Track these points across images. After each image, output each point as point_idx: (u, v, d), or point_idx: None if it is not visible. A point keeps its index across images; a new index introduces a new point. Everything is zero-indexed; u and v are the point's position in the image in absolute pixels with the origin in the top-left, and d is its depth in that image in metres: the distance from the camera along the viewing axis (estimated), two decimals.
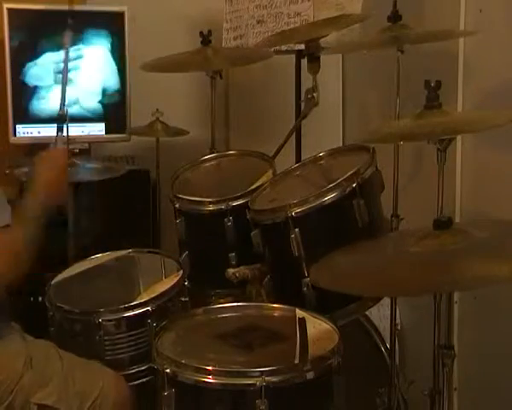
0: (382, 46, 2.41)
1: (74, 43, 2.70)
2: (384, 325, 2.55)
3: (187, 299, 2.29)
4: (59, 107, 2.38)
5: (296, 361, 1.76)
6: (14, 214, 1.98)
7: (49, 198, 2.07)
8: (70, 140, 2.67)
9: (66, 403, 1.95)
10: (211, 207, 2.37)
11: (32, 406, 1.93)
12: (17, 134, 3.17)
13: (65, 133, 2.31)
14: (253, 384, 1.68)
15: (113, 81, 3.26)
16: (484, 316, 2.57)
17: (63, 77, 2.44)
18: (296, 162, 2.64)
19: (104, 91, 3.26)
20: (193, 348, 1.90)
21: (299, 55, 2.87)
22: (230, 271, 2.28)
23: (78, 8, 3.29)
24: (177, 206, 2.43)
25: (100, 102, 3.25)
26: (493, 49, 2.47)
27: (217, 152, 2.78)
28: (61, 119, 2.32)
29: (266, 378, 1.68)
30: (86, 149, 3.24)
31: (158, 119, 3.01)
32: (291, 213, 2.06)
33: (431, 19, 2.71)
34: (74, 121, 2.88)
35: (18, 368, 1.94)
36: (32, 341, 2.05)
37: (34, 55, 3.16)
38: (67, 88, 2.44)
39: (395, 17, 2.34)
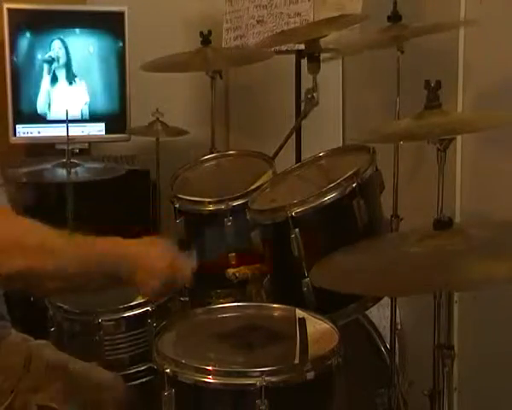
0: (382, 46, 2.41)
1: None
2: (384, 325, 2.55)
3: (187, 299, 2.29)
4: None
5: (296, 361, 1.76)
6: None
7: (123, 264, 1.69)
8: (70, 140, 2.69)
9: (65, 404, 1.95)
10: (211, 207, 2.37)
11: (32, 407, 1.93)
12: (17, 134, 3.17)
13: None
14: (253, 384, 1.68)
15: (113, 81, 3.26)
16: (484, 316, 2.57)
17: None
18: (296, 162, 2.64)
19: (104, 91, 3.25)
20: (193, 348, 1.90)
21: (299, 55, 2.87)
22: (230, 271, 2.28)
23: (78, 8, 3.32)
24: (177, 206, 2.43)
25: (100, 102, 3.25)
26: (493, 49, 2.47)
27: (217, 152, 2.78)
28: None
29: (266, 378, 1.68)
30: (86, 149, 3.25)
31: (158, 119, 3.00)
32: (291, 213, 2.06)
33: (431, 19, 2.70)
34: (74, 121, 2.89)
35: (18, 369, 1.94)
36: (30, 341, 2.04)
37: (34, 55, 3.16)
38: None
39: (395, 17, 2.35)
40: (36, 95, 3.18)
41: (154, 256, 1.70)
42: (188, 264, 1.76)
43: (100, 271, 1.65)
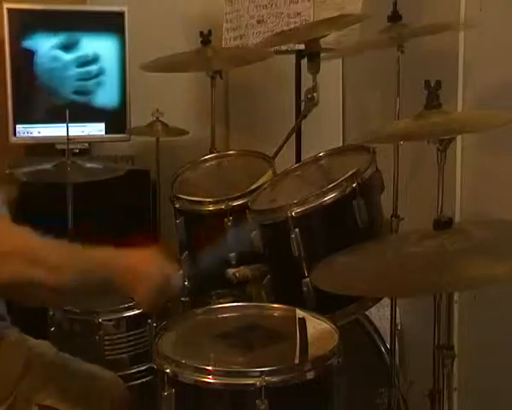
0: (382, 46, 2.41)
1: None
2: (384, 325, 2.55)
3: (187, 299, 2.29)
4: None
5: (296, 361, 1.76)
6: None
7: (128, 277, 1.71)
8: (70, 140, 2.68)
9: (65, 404, 1.95)
10: (211, 207, 2.37)
11: (32, 407, 1.93)
12: (17, 134, 3.17)
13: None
14: (253, 384, 1.68)
15: (113, 81, 3.26)
16: (484, 316, 2.57)
17: None
18: (296, 162, 2.64)
19: (104, 91, 3.26)
20: (193, 348, 1.90)
21: (299, 55, 2.87)
22: (230, 271, 2.28)
23: (78, 8, 3.33)
24: (177, 206, 2.43)
25: (100, 102, 3.25)
26: (493, 49, 2.47)
27: (217, 152, 2.78)
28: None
29: (266, 378, 1.67)
30: (86, 149, 3.25)
31: (158, 119, 3.01)
32: (291, 213, 2.06)
33: (431, 18, 2.71)
34: (74, 121, 2.89)
35: (18, 369, 1.94)
36: (31, 342, 2.04)
37: (34, 54, 3.16)
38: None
39: (395, 17, 2.35)
40: (36, 95, 3.18)
41: (151, 269, 1.73)
42: (178, 280, 1.81)
43: (97, 282, 1.68)
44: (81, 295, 1.72)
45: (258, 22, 3.10)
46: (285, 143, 2.66)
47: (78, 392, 1.97)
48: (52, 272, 1.61)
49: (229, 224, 2.33)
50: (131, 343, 2.17)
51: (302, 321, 1.82)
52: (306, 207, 2.06)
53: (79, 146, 3.14)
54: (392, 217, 2.39)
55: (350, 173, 2.08)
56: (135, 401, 2.07)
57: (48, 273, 1.60)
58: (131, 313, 2.16)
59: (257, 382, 1.67)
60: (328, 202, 2.06)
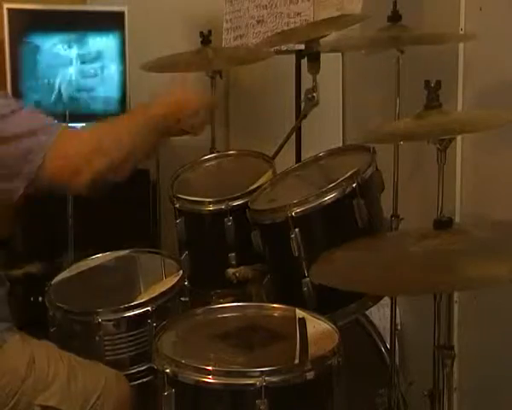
0: (382, 46, 2.41)
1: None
2: (384, 325, 2.55)
3: (187, 299, 2.29)
4: None
5: (296, 361, 1.77)
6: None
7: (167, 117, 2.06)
8: None
9: (68, 403, 1.95)
10: (211, 207, 2.37)
11: (35, 407, 1.93)
12: None
13: None
14: (253, 384, 1.68)
15: (113, 81, 3.26)
16: (484, 316, 2.57)
17: None
18: (296, 162, 2.64)
19: (104, 91, 3.25)
20: (193, 348, 1.90)
21: (299, 55, 2.87)
22: (230, 271, 2.28)
23: (78, 8, 3.32)
24: (177, 206, 2.43)
25: (100, 102, 3.25)
26: (493, 49, 2.47)
27: (217, 152, 2.78)
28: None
29: (266, 378, 1.68)
30: None
31: None
32: (291, 213, 2.06)
33: (431, 18, 2.71)
34: (74, 121, 2.88)
35: (21, 371, 1.94)
36: (34, 342, 2.04)
37: (34, 55, 3.16)
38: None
39: (395, 17, 2.35)
40: (36, 95, 3.18)
41: (182, 101, 2.10)
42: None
43: (150, 131, 2.02)
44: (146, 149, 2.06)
45: (258, 22, 3.10)
46: (285, 143, 2.66)
47: (81, 391, 1.98)
48: (118, 150, 1.94)
49: (229, 224, 2.33)
50: (131, 343, 2.16)
51: (302, 321, 1.82)
52: (306, 207, 2.06)
53: None
54: (392, 217, 2.39)
55: (350, 173, 2.08)
56: (135, 401, 2.07)
57: (117, 153, 1.93)
58: (131, 313, 2.16)
59: (257, 382, 1.68)
60: (328, 201, 2.06)
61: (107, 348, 2.15)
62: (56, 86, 3.19)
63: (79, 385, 1.98)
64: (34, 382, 1.94)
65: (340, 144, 3.14)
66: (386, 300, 2.43)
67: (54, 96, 3.19)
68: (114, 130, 1.99)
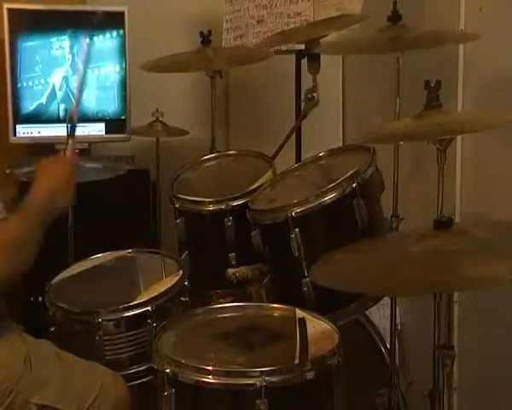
0: (382, 46, 2.41)
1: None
2: (384, 325, 2.55)
3: (187, 299, 2.29)
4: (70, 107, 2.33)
5: (296, 361, 1.77)
6: (16, 209, 1.98)
7: (53, 199, 2.03)
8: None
9: (65, 403, 1.95)
10: (211, 207, 2.37)
11: (31, 406, 1.92)
12: (17, 134, 3.17)
13: (77, 134, 2.23)
14: (253, 384, 1.68)
15: (113, 81, 3.26)
16: (484, 316, 2.57)
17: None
18: (296, 162, 2.64)
19: (104, 91, 3.25)
20: (193, 348, 1.90)
21: (299, 55, 2.87)
22: (230, 271, 2.28)
23: (78, 8, 3.32)
24: (177, 206, 2.43)
25: (100, 102, 3.25)
26: (493, 49, 2.46)
27: (217, 152, 2.78)
28: (71, 120, 2.24)
29: (266, 378, 1.68)
30: (86, 149, 3.24)
31: (158, 119, 3.00)
32: (291, 213, 2.06)
33: (431, 18, 2.71)
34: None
35: (17, 369, 1.94)
36: (31, 341, 2.04)
37: (34, 55, 3.16)
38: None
39: (395, 17, 2.34)
40: (36, 95, 3.18)
41: (61, 176, 2.09)
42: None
43: (42, 219, 1.98)
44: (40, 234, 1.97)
45: (258, 22, 3.10)
46: (285, 143, 2.66)
47: (78, 391, 1.97)
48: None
49: (229, 224, 2.33)
50: (131, 343, 2.16)
51: (302, 321, 1.82)
52: (306, 207, 2.06)
53: (79, 146, 3.13)
54: (392, 217, 2.39)
55: (350, 173, 2.08)
56: (135, 401, 2.06)
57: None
58: (131, 313, 2.16)
59: (257, 382, 1.68)
60: (328, 201, 2.06)
61: (106, 347, 2.15)
62: (56, 86, 3.19)
63: (76, 385, 1.98)
64: (30, 380, 1.93)
65: (340, 144, 3.14)
66: (386, 300, 2.43)
67: (54, 97, 3.19)
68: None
